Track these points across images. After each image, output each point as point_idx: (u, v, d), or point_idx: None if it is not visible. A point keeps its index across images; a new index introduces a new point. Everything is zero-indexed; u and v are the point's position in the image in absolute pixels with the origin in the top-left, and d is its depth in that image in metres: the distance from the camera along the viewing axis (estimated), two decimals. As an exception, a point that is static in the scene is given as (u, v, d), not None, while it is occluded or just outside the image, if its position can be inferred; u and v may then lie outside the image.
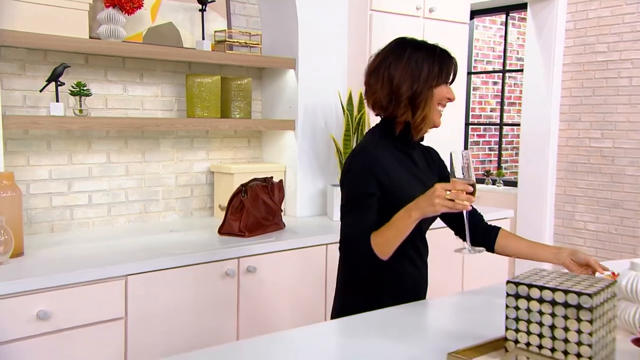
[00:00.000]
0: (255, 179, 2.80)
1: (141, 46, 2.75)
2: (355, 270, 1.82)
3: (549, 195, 5.13)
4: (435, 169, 1.95)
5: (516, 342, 1.27)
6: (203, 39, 2.89)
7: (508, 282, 1.26)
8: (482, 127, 7.01)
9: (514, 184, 5.79)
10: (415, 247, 1.83)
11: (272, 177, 2.92)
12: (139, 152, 2.90)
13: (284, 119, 3.27)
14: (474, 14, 6.28)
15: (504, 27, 6.73)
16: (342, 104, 3.14)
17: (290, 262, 2.75)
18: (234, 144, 3.29)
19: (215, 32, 3.03)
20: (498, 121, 6.69)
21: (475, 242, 1.73)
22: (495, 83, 6.74)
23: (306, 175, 3.27)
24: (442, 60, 1.74)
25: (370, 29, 3.38)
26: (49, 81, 2.44)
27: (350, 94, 3.16)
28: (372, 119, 3.09)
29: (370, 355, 1.36)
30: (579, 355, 1.19)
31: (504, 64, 6.58)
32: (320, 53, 3.28)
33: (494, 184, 6.00)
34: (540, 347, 1.24)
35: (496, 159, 6.75)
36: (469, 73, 6.38)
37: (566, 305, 1.18)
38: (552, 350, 1.23)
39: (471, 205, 1.54)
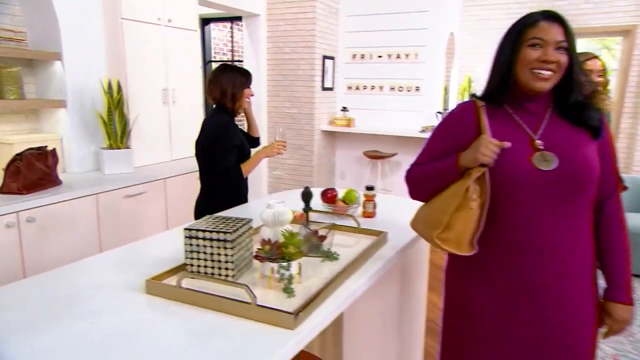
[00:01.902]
0: (30, 148, 2.72)
1: None
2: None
3: (264, 144, 5.52)
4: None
5: (191, 266, 1.37)
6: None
7: (185, 229, 1.35)
8: None
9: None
10: None
11: (46, 146, 2.85)
12: None
13: (55, 99, 3.15)
14: (211, 20, 6.31)
15: (231, 31, 6.79)
16: (103, 89, 3.14)
17: (65, 210, 2.66)
18: (11, 119, 3.10)
19: (-15, 29, 2.78)
20: None
21: None
22: None
23: (79, 141, 3.24)
24: (246, 73, 2.56)
25: (122, 33, 3.30)
26: None
27: (109, 82, 3.16)
28: (132, 102, 3.40)
29: (97, 283, 1.36)
30: (227, 269, 1.32)
31: (232, 56, 6.75)
32: (82, 49, 3.19)
33: None
34: (205, 267, 1.36)
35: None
36: (210, 61, 6.62)
37: (218, 240, 1.30)
38: (212, 268, 1.35)
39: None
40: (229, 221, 1.37)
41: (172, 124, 3.80)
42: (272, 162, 5.39)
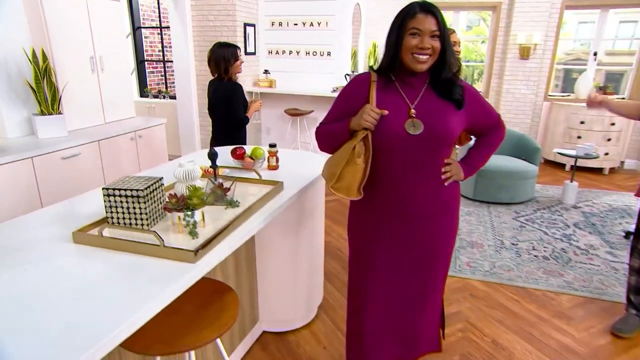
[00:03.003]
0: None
1: None
2: None
3: (194, 106, 5.25)
4: None
5: (112, 219, 1.41)
6: None
7: (102, 188, 1.38)
8: (154, 62, 6.61)
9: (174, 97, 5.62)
10: None
11: None
12: None
13: None
14: None
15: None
16: (28, 58, 2.92)
17: (2, 174, 2.52)
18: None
19: None
20: (162, 59, 6.57)
21: None
22: (159, 34, 6.53)
23: (10, 108, 3.02)
24: (232, 48, 3.03)
25: (41, 3, 2.99)
26: None
27: (34, 52, 2.92)
28: (59, 70, 3.17)
29: (32, 236, 1.36)
30: (141, 219, 1.37)
31: (160, 23, 6.31)
32: (4, 25, 2.91)
33: (163, 98, 5.97)
34: (123, 219, 1.40)
35: (164, 82, 6.66)
36: (139, 28, 6.23)
37: (132, 196, 1.36)
38: (129, 219, 1.39)
39: None
40: (141, 180, 1.43)
41: (102, 90, 3.63)
42: (203, 121, 5.30)
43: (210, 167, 1.62)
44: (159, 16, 6.22)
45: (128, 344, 1.17)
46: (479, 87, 6.05)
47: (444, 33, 1.38)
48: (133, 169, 3.62)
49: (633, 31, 5.74)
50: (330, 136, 1.52)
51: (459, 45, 2.76)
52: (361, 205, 1.57)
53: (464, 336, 2.35)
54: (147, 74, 6.21)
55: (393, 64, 1.42)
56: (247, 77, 5.22)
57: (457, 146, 1.69)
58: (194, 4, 4.95)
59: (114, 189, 1.37)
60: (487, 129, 1.61)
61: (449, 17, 6.00)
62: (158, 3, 5.96)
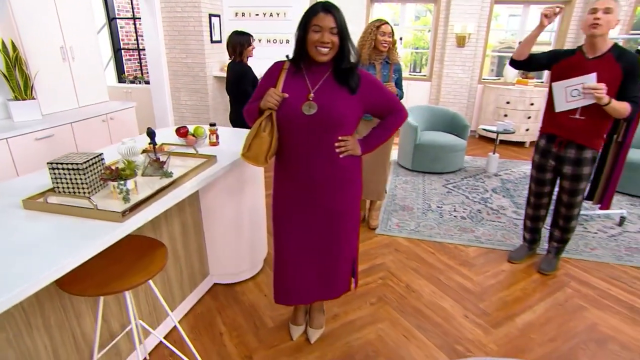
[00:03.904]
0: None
1: None
2: None
3: (166, 89, 5.18)
4: None
5: (57, 188, 1.48)
6: None
7: (47, 163, 1.42)
8: (130, 50, 6.33)
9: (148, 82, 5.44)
10: None
11: None
12: None
13: None
14: None
15: None
16: None
17: None
18: None
19: None
20: (137, 47, 6.31)
21: None
22: (133, 24, 6.25)
23: None
24: (246, 35, 3.26)
25: (9, 1, 2.91)
26: None
27: (3, 42, 2.90)
28: (31, 59, 3.11)
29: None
30: (82, 188, 1.45)
31: (133, 14, 6.11)
32: None
33: (139, 83, 5.84)
34: (68, 188, 1.48)
35: (139, 69, 6.48)
36: (114, 19, 6.04)
37: (73, 169, 1.44)
38: (73, 189, 1.47)
39: None
40: (83, 155, 1.51)
41: (75, 77, 3.60)
42: (176, 103, 5.29)
43: (149, 143, 1.71)
44: (132, 8, 6.03)
45: (67, 288, 1.29)
46: (425, 71, 6.17)
47: (342, 29, 1.46)
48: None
49: (552, 25, 5.91)
50: (250, 114, 1.62)
51: (392, 36, 2.71)
52: (277, 173, 1.70)
53: (383, 282, 2.55)
54: (124, 61, 6.07)
55: (301, 54, 1.50)
56: (214, 63, 5.21)
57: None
58: (162, -5, 4.85)
59: (57, 163, 1.45)
60: (387, 112, 1.68)
61: (396, 8, 6.04)
62: (131, -4, 5.74)
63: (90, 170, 1.49)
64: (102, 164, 1.56)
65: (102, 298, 1.45)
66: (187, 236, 2.14)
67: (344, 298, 2.36)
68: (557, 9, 2.13)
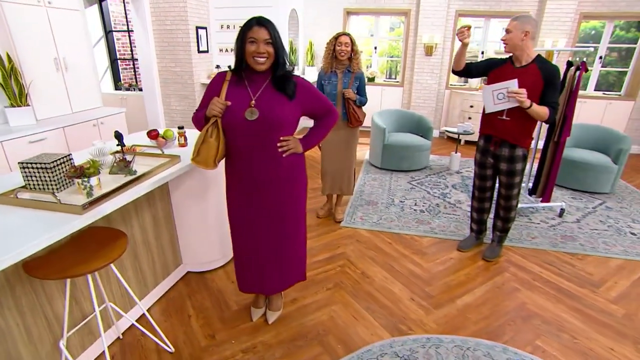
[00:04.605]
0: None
1: None
2: None
3: (158, 96, 5.15)
4: None
5: (29, 185, 1.54)
6: None
7: (18, 162, 1.49)
8: (126, 60, 6.26)
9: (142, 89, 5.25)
10: None
11: None
12: None
13: None
14: None
15: (124, 5, 5.94)
16: None
17: None
18: None
19: None
20: (131, 57, 6.24)
21: None
22: (128, 36, 6.19)
23: None
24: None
25: (3, 13, 2.95)
26: None
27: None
28: (26, 69, 3.15)
29: None
30: (50, 185, 1.47)
31: (128, 27, 6.09)
32: None
33: (134, 90, 5.83)
34: (37, 185, 1.54)
35: (134, 77, 6.35)
36: (110, 31, 6.06)
37: (41, 168, 1.45)
38: (42, 185, 1.54)
39: None
40: (53, 156, 1.57)
41: (68, 85, 3.65)
42: (167, 109, 5.35)
43: (117, 144, 1.78)
44: (127, 21, 6.05)
45: (34, 273, 1.37)
46: (399, 78, 6.27)
47: (275, 40, 1.50)
48: (97, 150, 3.69)
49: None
50: (197, 121, 1.66)
51: (352, 46, 2.71)
52: (227, 174, 1.75)
53: (341, 270, 2.64)
54: (120, 71, 6.10)
55: (241, 65, 1.54)
56: (202, 71, 5.26)
57: None
58: (153, 10, 4.89)
59: (28, 163, 1.52)
60: (322, 114, 1.74)
61: (372, 20, 6.13)
62: (125, 10, 5.78)
63: (58, 169, 1.57)
64: (71, 164, 1.64)
65: (68, 281, 1.52)
66: (158, 228, 2.21)
67: (303, 284, 2.44)
68: (466, 29, 2.27)
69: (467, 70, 2.48)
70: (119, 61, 6.11)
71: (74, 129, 3.43)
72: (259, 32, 1.48)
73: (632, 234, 3.10)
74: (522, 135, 2.38)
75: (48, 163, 1.51)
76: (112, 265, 1.54)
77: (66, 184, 1.62)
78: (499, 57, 2.48)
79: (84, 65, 3.82)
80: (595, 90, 5.66)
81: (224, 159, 1.70)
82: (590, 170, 3.77)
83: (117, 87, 5.90)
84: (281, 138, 1.61)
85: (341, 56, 2.74)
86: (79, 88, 3.76)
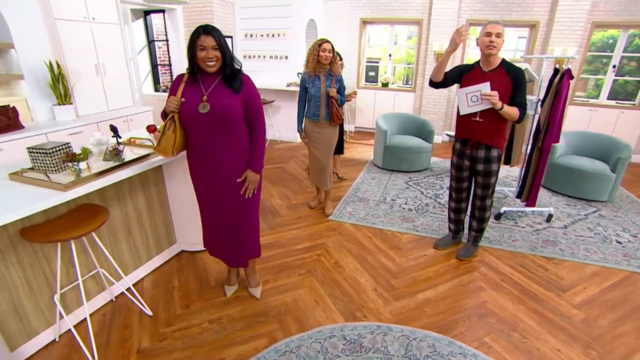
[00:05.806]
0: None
1: None
2: None
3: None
4: None
5: (35, 167, 1.75)
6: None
7: (27, 148, 1.69)
8: (165, 66, 6.27)
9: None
10: None
11: (9, 105, 3.05)
12: None
13: (16, 73, 3.30)
14: (151, 12, 5.86)
15: (164, 19, 5.96)
16: (48, 67, 3.23)
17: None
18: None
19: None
20: (169, 63, 6.50)
21: None
22: (167, 45, 6.33)
23: (38, 101, 3.36)
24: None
25: (56, 28, 3.31)
26: None
27: (51, 63, 3.26)
28: (72, 73, 3.59)
29: None
30: (50, 167, 1.68)
31: (166, 37, 6.09)
32: (27, 40, 3.20)
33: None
34: (41, 167, 1.72)
35: (171, 81, 6.73)
36: (152, 41, 6.42)
37: (43, 153, 1.69)
38: (45, 167, 1.67)
39: None
40: (55, 144, 1.79)
41: (105, 88, 4.03)
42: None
43: (113, 136, 2.00)
44: (165, 32, 6.38)
45: (28, 237, 1.59)
46: (413, 83, 6.17)
47: (221, 45, 1.59)
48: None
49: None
50: (163, 117, 1.80)
51: (333, 52, 2.80)
52: (188, 160, 1.85)
53: (317, 259, 2.70)
54: (160, 75, 6.52)
55: (194, 69, 1.65)
56: (227, 77, 5.51)
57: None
58: (186, 23, 5.22)
59: (33, 148, 1.77)
60: (253, 117, 1.73)
61: (386, 29, 6.09)
62: (165, 23, 6.20)
63: (56, 154, 1.80)
64: (68, 151, 1.86)
65: (59, 245, 1.75)
66: (152, 209, 2.42)
67: (278, 268, 2.55)
68: (465, 29, 2.16)
69: (444, 80, 2.43)
70: (159, 67, 6.56)
71: (107, 124, 3.78)
72: (207, 40, 1.57)
73: (618, 242, 2.88)
74: (496, 136, 2.33)
75: (47, 149, 1.74)
76: (94, 235, 1.74)
77: (63, 167, 1.84)
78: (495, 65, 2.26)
79: (120, 70, 4.20)
80: (609, 99, 5.22)
81: (185, 150, 1.80)
82: (587, 178, 3.52)
83: (156, 89, 6.34)
84: (238, 180, 1.72)
85: (325, 60, 2.83)
86: (114, 89, 4.13)
